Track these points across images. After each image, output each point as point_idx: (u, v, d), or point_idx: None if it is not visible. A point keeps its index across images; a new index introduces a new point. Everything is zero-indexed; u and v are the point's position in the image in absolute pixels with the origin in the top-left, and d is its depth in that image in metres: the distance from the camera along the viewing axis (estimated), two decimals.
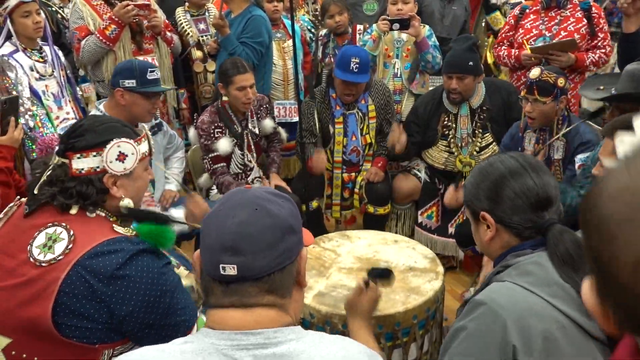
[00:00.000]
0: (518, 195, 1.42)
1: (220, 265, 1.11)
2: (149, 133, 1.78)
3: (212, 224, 1.16)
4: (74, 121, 3.34)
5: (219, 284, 1.14)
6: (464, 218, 3.52)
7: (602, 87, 2.65)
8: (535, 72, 2.90)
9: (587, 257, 0.71)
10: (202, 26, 4.42)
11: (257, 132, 3.58)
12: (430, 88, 3.99)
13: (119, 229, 1.55)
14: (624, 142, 0.88)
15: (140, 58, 3.63)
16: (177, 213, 2.71)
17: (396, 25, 3.77)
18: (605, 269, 0.66)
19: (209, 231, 1.16)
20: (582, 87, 2.86)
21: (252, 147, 3.57)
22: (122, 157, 1.59)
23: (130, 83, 2.83)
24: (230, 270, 1.10)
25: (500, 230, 1.46)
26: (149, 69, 2.89)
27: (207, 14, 4.47)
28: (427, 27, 4.00)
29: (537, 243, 1.42)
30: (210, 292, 1.16)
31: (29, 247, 1.48)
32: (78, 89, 3.63)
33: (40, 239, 1.48)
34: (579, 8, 3.62)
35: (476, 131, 3.55)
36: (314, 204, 3.76)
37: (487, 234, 1.49)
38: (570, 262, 1.31)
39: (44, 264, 1.44)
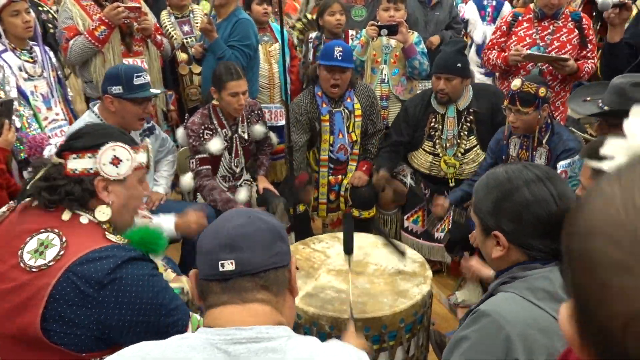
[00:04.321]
0: (541, 222, 1.35)
1: (219, 262, 1.17)
2: (151, 147, 1.78)
3: (209, 232, 1.25)
4: (63, 122, 3.33)
5: (217, 283, 1.19)
6: (451, 224, 3.57)
7: (588, 99, 2.66)
8: (516, 83, 2.94)
9: (570, 287, 0.58)
10: (186, 28, 4.43)
11: (246, 137, 3.59)
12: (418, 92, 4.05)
13: (111, 236, 1.55)
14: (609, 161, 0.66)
15: (130, 60, 3.63)
16: (168, 221, 2.66)
17: (384, 31, 3.81)
18: (591, 312, 0.54)
19: (206, 238, 1.24)
20: (570, 100, 2.89)
21: (240, 151, 3.59)
22: (116, 161, 1.59)
23: (117, 90, 2.81)
24: (229, 265, 1.17)
25: (512, 250, 1.40)
26: (136, 74, 2.84)
27: (191, 15, 4.48)
28: (415, 33, 4.05)
29: (548, 260, 1.37)
30: (209, 292, 1.21)
31: (20, 251, 1.47)
32: (69, 89, 3.60)
33: (32, 244, 1.48)
34: (570, 19, 3.66)
35: (462, 133, 3.60)
36: (301, 207, 3.79)
37: (496, 252, 1.42)
38: None
39: (34, 270, 1.43)
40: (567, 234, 0.59)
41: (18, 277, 1.45)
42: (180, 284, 2.10)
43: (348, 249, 2.21)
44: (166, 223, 2.62)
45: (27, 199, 1.59)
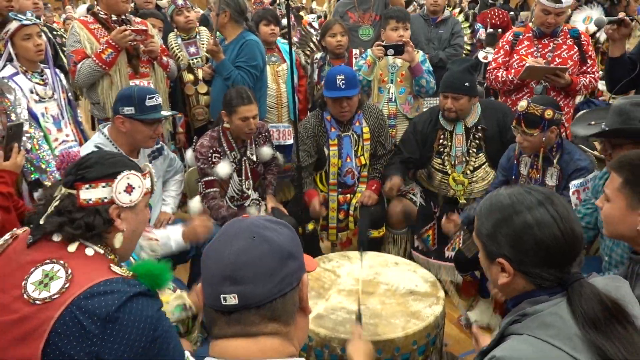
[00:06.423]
0: (543, 248, 1.31)
1: (221, 296, 1.12)
2: (153, 171, 1.79)
3: (210, 256, 1.18)
4: (73, 143, 3.35)
5: (221, 315, 1.15)
6: (462, 243, 3.53)
7: (593, 122, 2.67)
8: (522, 105, 2.92)
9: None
10: (192, 49, 4.51)
11: (254, 159, 3.60)
12: (425, 110, 4.05)
13: (116, 269, 1.53)
14: None
15: (137, 82, 3.66)
16: (175, 231, 2.71)
17: (391, 51, 3.83)
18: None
19: (207, 263, 1.18)
20: (574, 123, 2.89)
21: (249, 173, 3.59)
22: (129, 189, 1.62)
23: (129, 110, 2.85)
24: (231, 299, 1.11)
25: (517, 277, 1.36)
26: (148, 96, 2.88)
27: (197, 37, 4.56)
28: (421, 52, 4.07)
29: (556, 291, 1.33)
30: (213, 323, 1.17)
31: (24, 282, 1.44)
32: (79, 111, 3.62)
33: (37, 275, 1.45)
34: (569, 36, 3.71)
35: (470, 150, 3.59)
36: (310, 226, 3.77)
37: (502, 279, 1.38)
38: (595, 324, 1.22)
39: (38, 302, 1.41)
40: None
41: (21, 309, 1.42)
42: (182, 299, 2.08)
43: (362, 242, 2.15)
44: (174, 234, 2.68)
45: (29, 227, 1.57)
